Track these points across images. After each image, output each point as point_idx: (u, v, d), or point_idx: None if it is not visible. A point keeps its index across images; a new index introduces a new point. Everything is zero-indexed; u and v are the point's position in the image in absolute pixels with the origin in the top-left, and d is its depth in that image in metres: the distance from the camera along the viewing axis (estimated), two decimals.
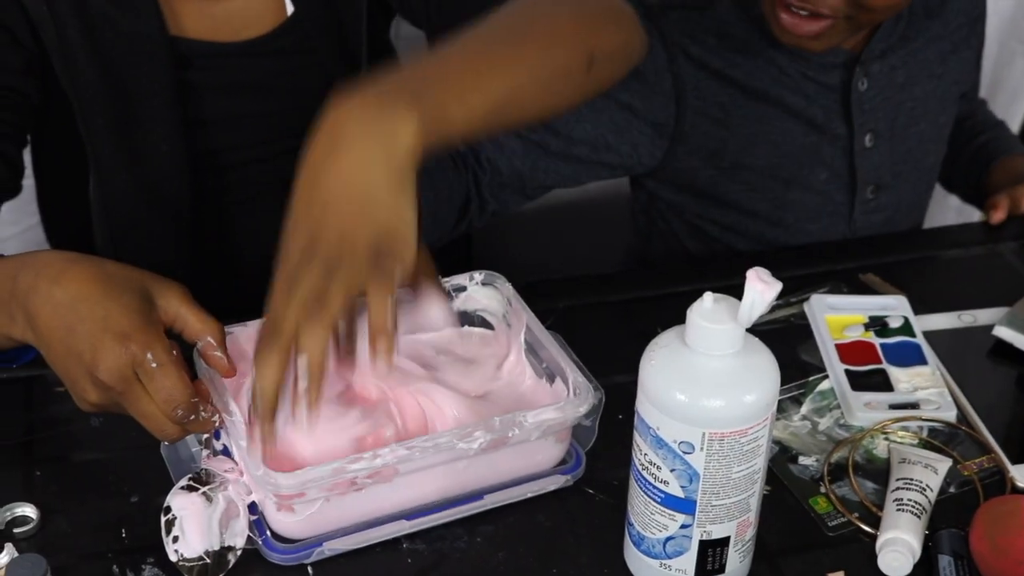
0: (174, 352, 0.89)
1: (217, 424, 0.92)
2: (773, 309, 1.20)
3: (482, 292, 1.07)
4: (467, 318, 1.08)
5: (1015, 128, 2.03)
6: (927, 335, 1.18)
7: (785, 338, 1.18)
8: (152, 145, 1.22)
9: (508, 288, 1.06)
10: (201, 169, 1.25)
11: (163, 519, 0.91)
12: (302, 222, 0.84)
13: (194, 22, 1.21)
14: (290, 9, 1.22)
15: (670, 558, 0.90)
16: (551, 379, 1.01)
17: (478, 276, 1.06)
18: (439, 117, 0.87)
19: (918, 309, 1.21)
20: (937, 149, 1.43)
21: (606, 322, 1.21)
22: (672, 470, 0.86)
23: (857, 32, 1.25)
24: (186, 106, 1.22)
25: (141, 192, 1.25)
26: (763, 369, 0.85)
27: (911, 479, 0.99)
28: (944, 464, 1.02)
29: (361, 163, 0.83)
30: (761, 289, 0.81)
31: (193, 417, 0.90)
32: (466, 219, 1.28)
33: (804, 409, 1.10)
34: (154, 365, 0.88)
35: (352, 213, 0.83)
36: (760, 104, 1.31)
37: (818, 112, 1.32)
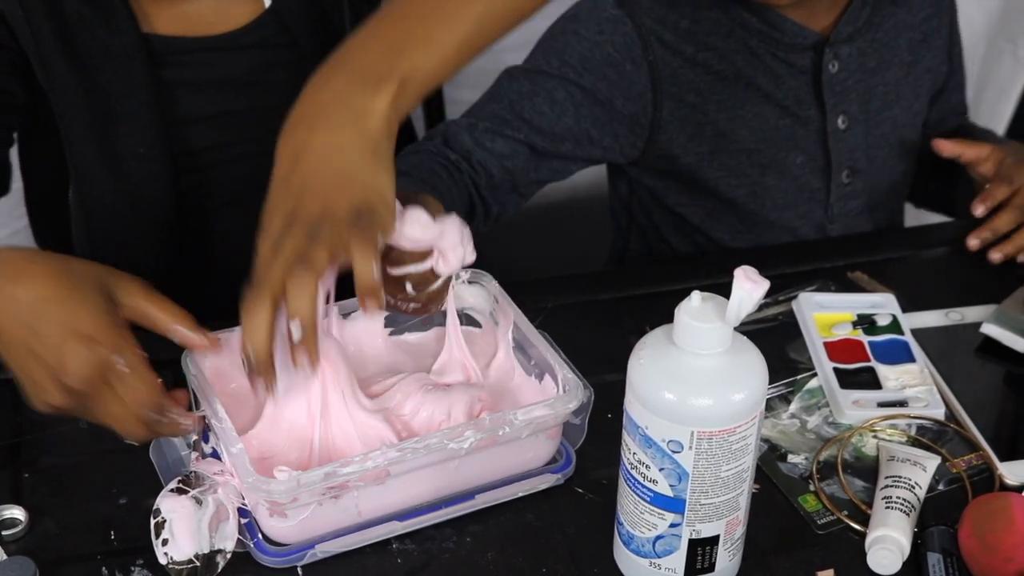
0: (141, 353, 0.89)
1: (189, 427, 0.92)
2: (761, 307, 1.20)
3: (468, 290, 1.06)
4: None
5: (1003, 125, 2.04)
6: (915, 333, 1.18)
7: (773, 336, 1.18)
8: (131, 147, 1.21)
9: (494, 285, 1.06)
10: (181, 170, 1.25)
11: (152, 522, 0.91)
12: (282, 197, 0.88)
13: (167, 20, 1.20)
14: (268, 1, 1.22)
15: (659, 557, 0.90)
16: (540, 377, 1.01)
17: (464, 274, 1.06)
18: (408, 77, 0.91)
19: (906, 307, 1.21)
20: (911, 136, 1.44)
21: (594, 321, 1.21)
22: (661, 469, 0.86)
23: None
24: (164, 106, 1.21)
25: (121, 196, 1.24)
26: (751, 367, 0.86)
27: (900, 477, 0.99)
28: (933, 461, 1.02)
29: (336, 143, 0.88)
30: (749, 288, 0.81)
31: (161, 418, 0.90)
32: (473, 224, 1.28)
33: (793, 407, 1.10)
34: (124, 368, 0.88)
35: (331, 188, 0.87)
36: (734, 88, 1.33)
37: (790, 94, 1.34)
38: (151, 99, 1.20)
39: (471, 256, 0.96)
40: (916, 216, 1.61)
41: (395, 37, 0.93)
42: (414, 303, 0.95)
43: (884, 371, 1.13)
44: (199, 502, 0.91)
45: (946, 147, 1.35)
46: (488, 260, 1.19)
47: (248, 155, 1.27)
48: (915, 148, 1.45)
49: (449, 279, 0.96)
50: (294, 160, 0.89)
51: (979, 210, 1.32)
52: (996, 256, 1.30)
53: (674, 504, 0.87)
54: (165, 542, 0.90)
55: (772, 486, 1.02)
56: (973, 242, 1.32)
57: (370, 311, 0.87)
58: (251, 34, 1.22)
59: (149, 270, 1.06)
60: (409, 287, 0.94)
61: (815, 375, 1.14)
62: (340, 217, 0.85)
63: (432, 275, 0.95)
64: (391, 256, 0.93)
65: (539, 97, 1.30)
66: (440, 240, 0.93)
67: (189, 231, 1.29)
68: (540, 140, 1.30)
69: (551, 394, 0.99)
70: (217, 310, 1.00)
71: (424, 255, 0.94)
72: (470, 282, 1.06)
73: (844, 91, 1.35)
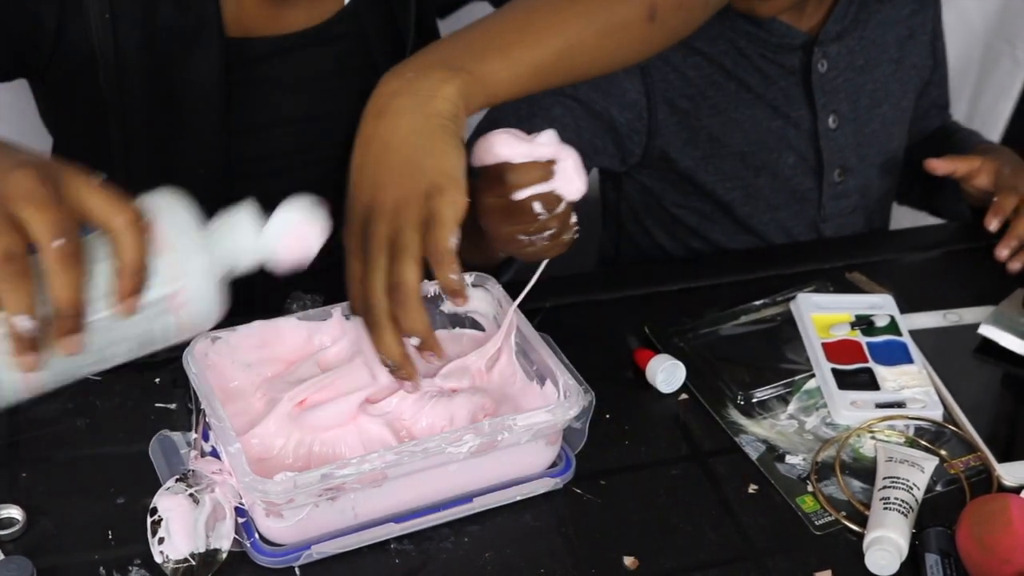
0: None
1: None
2: (759, 308, 1.20)
3: (473, 294, 1.06)
4: (458, 320, 1.08)
5: (1001, 126, 2.04)
6: (913, 334, 1.18)
7: (771, 337, 1.18)
8: (191, 163, 1.20)
9: (498, 289, 1.05)
10: (242, 176, 1.24)
11: (149, 520, 0.91)
12: (359, 190, 0.91)
13: (262, 20, 1.20)
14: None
15: None
16: (541, 381, 1.01)
17: (468, 278, 1.06)
18: (478, 76, 0.94)
19: (904, 308, 1.21)
20: (900, 133, 1.44)
21: (592, 322, 1.21)
22: None
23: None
24: (236, 113, 1.21)
25: None
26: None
27: (898, 478, 0.99)
28: (931, 462, 1.02)
29: (403, 129, 0.90)
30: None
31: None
32: None
33: (791, 408, 1.10)
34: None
35: (400, 177, 0.89)
36: (725, 91, 1.34)
37: (780, 95, 1.34)
38: (222, 111, 1.19)
39: (584, 186, 0.95)
40: (914, 217, 1.61)
41: (472, 45, 0.97)
42: (546, 232, 0.95)
43: (882, 372, 1.13)
44: (196, 501, 0.91)
45: (939, 166, 1.34)
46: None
47: (310, 163, 1.28)
48: (903, 148, 1.45)
49: (572, 207, 0.95)
50: (365, 150, 0.91)
51: (993, 225, 1.30)
52: (1016, 266, 1.29)
53: None
54: (161, 540, 0.90)
55: (770, 487, 1.02)
56: (1004, 252, 1.29)
57: (445, 274, 0.88)
58: (332, 28, 1.23)
59: None
60: (539, 206, 0.94)
61: (813, 376, 1.14)
62: (413, 216, 0.88)
63: (556, 198, 0.94)
64: (508, 181, 0.94)
65: (537, 117, 1.30)
66: (557, 158, 0.94)
67: None
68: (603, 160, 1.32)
69: (552, 399, 0.99)
70: (253, 307, 1.00)
71: (543, 172, 0.94)
72: (474, 285, 1.06)
73: (834, 90, 1.36)
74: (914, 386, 1.12)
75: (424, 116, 0.90)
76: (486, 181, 0.96)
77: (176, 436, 0.99)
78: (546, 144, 0.95)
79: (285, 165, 1.27)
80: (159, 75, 1.16)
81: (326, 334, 1.04)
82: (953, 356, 1.18)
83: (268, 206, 1.28)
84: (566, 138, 1.29)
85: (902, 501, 0.97)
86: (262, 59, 1.21)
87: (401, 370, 0.91)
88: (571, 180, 0.94)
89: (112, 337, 0.79)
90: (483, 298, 1.07)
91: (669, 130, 1.33)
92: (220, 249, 0.83)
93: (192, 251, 0.81)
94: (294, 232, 0.86)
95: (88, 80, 1.16)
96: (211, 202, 1.23)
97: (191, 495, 0.91)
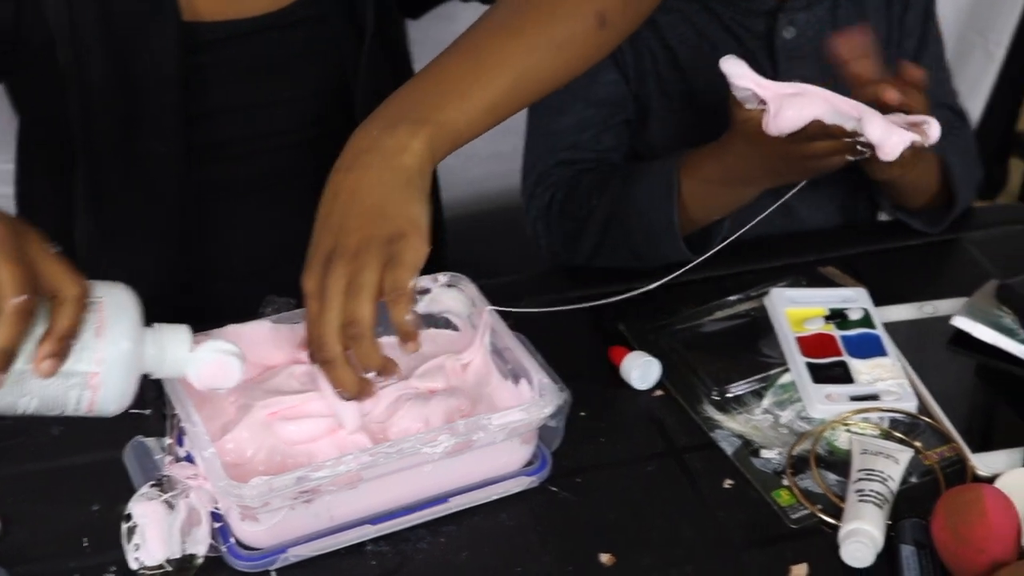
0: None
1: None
2: (733, 303, 1.21)
3: (447, 294, 1.06)
4: (432, 320, 1.07)
5: (974, 120, 2.04)
6: (887, 326, 1.18)
7: (745, 332, 1.18)
8: (152, 145, 1.20)
9: (472, 289, 1.05)
10: (202, 163, 1.24)
11: (124, 526, 0.91)
12: (323, 235, 0.93)
13: (212, 4, 1.19)
14: None
15: None
16: (516, 380, 1.01)
17: (443, 278, 1.06)
18: (442, 125, 0.96)
19: (878, 301, 1.21)
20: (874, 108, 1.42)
21: (567, 319, 1.20)
22: None
23: None
24: (195, 97, 1.20)
25: (133, 191, 1.23)
26: None
27: (873, 470, 1.00)
28: (905, 454, 1.03)
29: (371, 180, 0.93)
30: None
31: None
32: None
33: (765, 402, 1.11)
34: None
35: (365, 222, 0.92)
36: (698, 48, 1.34)
37: (747, 58, 1.34)
38: (180, 95, 1.19)
39: (909, 135, 1.06)
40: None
41: (432, 91, 0.99)
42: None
43: (856, 365, 1.13)
44: (171, 506, 0.91)
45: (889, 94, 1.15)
46: (471, 262, 1.20)
47: (270, 149, 1.28)
48: None
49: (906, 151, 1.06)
50: (332, 200, 0.94)
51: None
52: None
53: None
54: (136, 547, 0.90)
55: (745, 481, 1.03)
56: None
57: (399, 314, 0.89)
58: (292, 14, 1.23)
59: (154, 264, 1.02)
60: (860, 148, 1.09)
61: (787, 370, 1.14)
62: (374, 254, 0.90)
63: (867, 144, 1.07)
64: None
65: (599, 75, 1.32)
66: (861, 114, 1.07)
67: (201, 223, 1.27)
68: (632, 109, 1.34)
69: (527, 398, 0.99)
70: (222, 305, 1.00)
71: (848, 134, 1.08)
72: (448, 285, 1.06)
73: (800, 58, 1.35)
74: (888, 378, 1.12)
75: (391, 170, 0.93)
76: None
77: (150, 442, 0.99)
78: (846, 100, 1.09)
79: (247, 150, 1.27)
80: (117, 58, 1.16)
81: (299, 337, 1.04)
82: (927, 348, 1.18)
83: (231, 191, 1.28)
84: (604, 90, 1.33)
85: (877, 493, 0.97)
86: (220, 43, 1.21)
87: (362, 394, 0.92)
88: (882, 147, 1.06)
89: (26, 389, 0.82)
90: (457, 298, 1.06)
91: (651, 78, 1.35)
92: (151, 350, 0.87)
93: (121, 343, 0.84)
94: (219, 362, 0.89)
95: (48, 64, 1.16)
96: (173, 187, 1.23)
97: (166, 501, 0.91)
